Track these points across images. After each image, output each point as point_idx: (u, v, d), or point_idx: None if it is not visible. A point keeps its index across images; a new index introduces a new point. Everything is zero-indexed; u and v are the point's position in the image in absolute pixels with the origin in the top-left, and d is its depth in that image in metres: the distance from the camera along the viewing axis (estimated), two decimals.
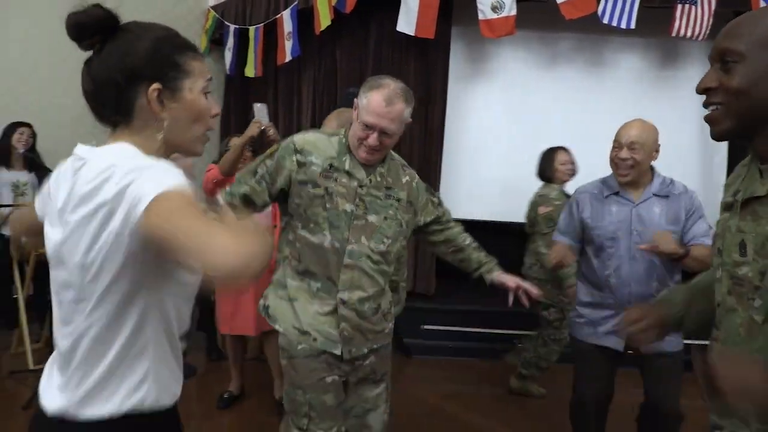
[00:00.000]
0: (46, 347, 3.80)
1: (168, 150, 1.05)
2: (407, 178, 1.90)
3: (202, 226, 0.80)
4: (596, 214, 2.27)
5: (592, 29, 4.41)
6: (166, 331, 1.00)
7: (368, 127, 1.69)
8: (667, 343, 1.91)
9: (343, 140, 1.80)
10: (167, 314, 1.00)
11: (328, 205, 1.73)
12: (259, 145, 2.77)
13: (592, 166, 4.60)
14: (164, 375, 1.01)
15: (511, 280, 2.04)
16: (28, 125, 4.02)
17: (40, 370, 3.34)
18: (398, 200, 1.83)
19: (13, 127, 3.98)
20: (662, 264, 2.10)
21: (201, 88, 1.04)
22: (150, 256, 0.91)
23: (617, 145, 2.29)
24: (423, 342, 4.24)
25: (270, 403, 3.23)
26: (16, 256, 3.63)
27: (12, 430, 2.87)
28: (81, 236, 0.92)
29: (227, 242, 0.77)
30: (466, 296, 4.71)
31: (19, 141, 3.94)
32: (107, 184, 0.89)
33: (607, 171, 4.74)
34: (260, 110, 2.69)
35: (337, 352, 1.77)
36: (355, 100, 1.74)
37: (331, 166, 1.76)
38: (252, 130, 2.63)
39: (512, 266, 5.12)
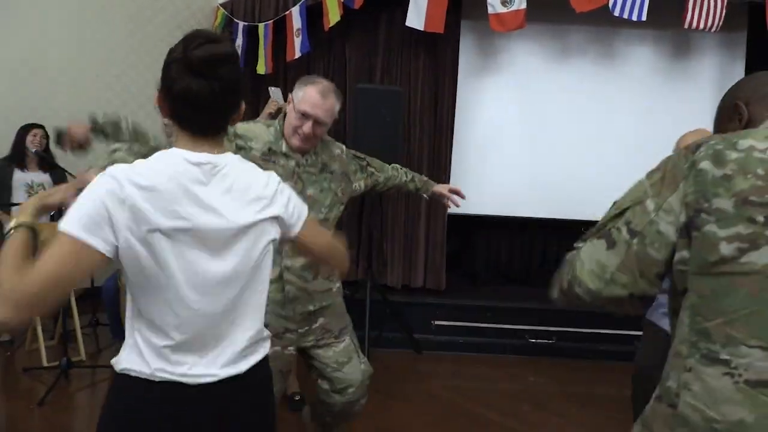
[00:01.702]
0: (59, 344, 3.84)
1: None
2: (338, 151, 2.15)
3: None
4: None
5: (602, 22, 4.36)
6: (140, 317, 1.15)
7: (304, 116, 1.90)
8: None
9: (279, 127, 2.00)
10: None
11: None
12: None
13: (605, 159, 4.58)
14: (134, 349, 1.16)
15: (444, 188, 2.44)
16: (41, 126, 4.06)
17: (54, 367, 3.39)
18: (331, 173, 2.07)
19: (27, 128, 4.03)
20: None
21: None
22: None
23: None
24: (434, 338, 4.22)
25: (282, 397, 3.23)
26: (33, 253, 3.66)
27: (27, 425, 2.90)
28: None
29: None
30: (476, 292, 4.69)
31: (32, 142, 3.98)
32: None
33: (621, 164, 4.70)
34: (275, 92, 2.90)
35: (283, 312, 1.99)
36: (290, 94, 1.98)
37: (270, 149, 1.96)
38: (269, 108, 2.84)
39: (522, 261, 5.14)
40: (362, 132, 3.85)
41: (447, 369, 3.94)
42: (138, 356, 1.14)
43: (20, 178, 3.98)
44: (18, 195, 3.94)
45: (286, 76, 5.14)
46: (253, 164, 1.26)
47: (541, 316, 4.22)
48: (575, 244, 1.17)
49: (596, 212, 4.72)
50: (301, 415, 2.59)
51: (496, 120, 4.66)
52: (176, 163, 1.12)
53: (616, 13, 3.78)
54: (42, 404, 3.06)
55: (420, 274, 4.45)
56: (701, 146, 0.98)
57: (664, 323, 2.46)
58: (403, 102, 4.03)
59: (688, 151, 1.00)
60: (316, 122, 1.91)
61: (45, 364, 3.52)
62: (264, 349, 1.28)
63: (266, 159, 1.93)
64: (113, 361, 1.17)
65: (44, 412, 3.03)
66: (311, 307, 2.06)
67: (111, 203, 1.05)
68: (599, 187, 4.59)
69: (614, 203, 1.10)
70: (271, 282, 1.81)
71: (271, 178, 1.27)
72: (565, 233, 4.99)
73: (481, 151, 4.66)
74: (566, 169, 4.64)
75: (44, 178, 4.06)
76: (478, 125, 4.66)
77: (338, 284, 2.18)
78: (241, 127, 1.95)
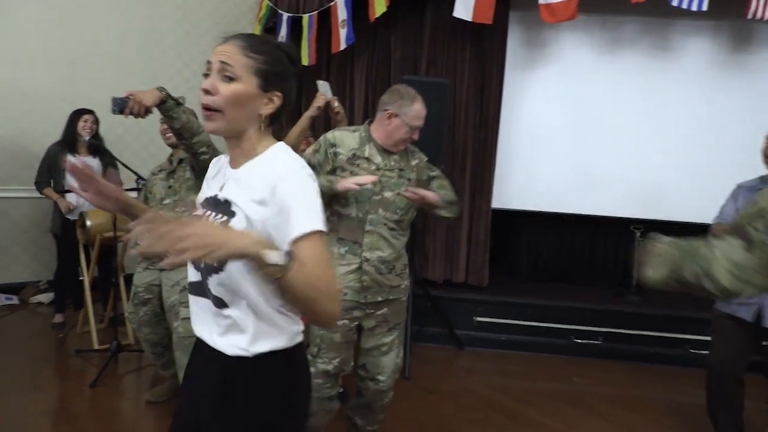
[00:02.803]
0: (108, 327, 3.94)
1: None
2: (416, 161, 2.36)
3: None
4: (747, 203, 2.59)
5: (656, 12, 4.20)
6: None
7: (415, 129, 2.22)
8: None
9: (364, 135, 2.26)
10: None
11: None
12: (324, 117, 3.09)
13: (655, 155, 4.44)
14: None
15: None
16: (91, 112, 4.13)
17: (105, 350, 3.48)
18: (408, 180, 2.28)
19: (78, 114, 4.10)
20: None
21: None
22: None
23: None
24: (475, 334, 4.18)
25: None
26: (82, 240, 3.76)
27: (79, 407, 2.99)
28: None
29: None
30: (519, 289, 4.62)
31: (83, 128, 4.06)
32: None
33: (673, 161, 4.56)
34: (323, 86, 2.91)
35: (359, 299, 2.23)
36: (390, 109, 2.22)
37: (354, 155, 2.22)
38: (318, 101, 2.83)
39: (565, 258, 5.02)
40: None
41: (488, 366, 3.89)
42: (281, 331, 1.21)
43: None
44: (70, 180, 4.05)
45: (329, 67, 5.13)
46: None
47: (587, 315, 4.12)
48: (657, 241, 1.16)
49: (645, 210, 4.64)
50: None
51: (543, 113, 4.55)
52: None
53: (675, 3, 3.64)
54: (94, 386, 3.15)
55: (462, 270, 4.41)
56: None
57: (743, 312, 2.55)
58: (449, 94, 3.96)
59: None
60: (418, 130, 2.25)
61: (96, 347, 3.63)
62: None
63: (351, 163, 2.20)
64: (270, 347, 1.18)
65: (95, 393, 3.12)
66: (380, 298, 2.27)
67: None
68: (649, 185, 4.46)
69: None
70: (351, 272, 2.21)
71: None
72: (611, 231, 4.87)
73: (526, 146, 4.57)
74: (614, 165, 4.51)
75: (94, 162, 4.16)
76: (524, 119, 4.56)
77: (407, 282, 2.37)
78: (333, 136, 2.24)
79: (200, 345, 1.27)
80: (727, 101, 4.36)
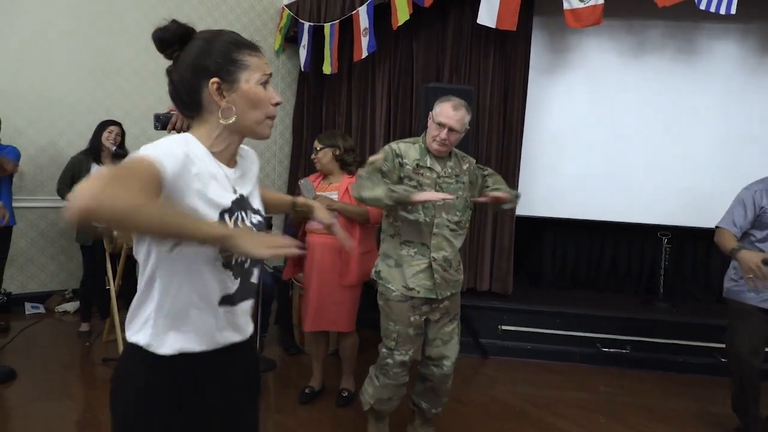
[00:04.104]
0: None
1: (232, 136, 1.23)
2: (467, 165, 2.60)
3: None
4: None
5: (682, 16, 4.15)
6: (175, 292, 1.18)
7: (441, 125, 2.39)
8: None
9: (423, 145, 2.51)
10: (177, 278, 1.17)
11: None
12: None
13: (682, 161, 4.36)
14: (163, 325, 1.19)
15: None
16: (118, 123, 4.18)
17: None
18: (463, 183, 2.52)
19: (104, 125, 4.15)
20: None
21: (257, 80, 1.20)
22: None
23: None
24: (500, 343, 4.13)
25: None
26: (108, 249, 3.79)
27: (106, 416, 2.99)
28: None
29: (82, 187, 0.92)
30: (544, 296, 4.56)
31: (108, 138, 4.10)
32: None
33: (701, 167, 4.48)
34: (305, 186, 2.99)
35: (432, 296, 2.49)
36: (430, 112, 2.47)
37: (418, 165, 2.46)
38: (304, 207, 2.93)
39: (590, 265, 4.94)
40: None
41: (514, 375, 3.84)
42: None
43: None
44: None
45: (351, 75, 5.15)
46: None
47: (614, 324, 4.05)
48: None
49: (671, 216, 4.57)
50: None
51: (567, 119, 4.51)
52: None
53: (702, 7, 3.58)
54: None
55: (486, 278, 4.36)
56: None
57: (749, 298, 2.80)
58: (473, 102, 3.94)
59: None
60: (451, 130, 2.39)
61: None
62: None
63: (416, 172, 2.45)
64: None
65: None
66: (448, 293, 2.54)
67: None
68: (674, 191, 4.39)
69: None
70: (422, 271, 2.48)
71: None
72: (637, 237, 4.80)
73: (550, 152, 4.53)
74: (640, 170, 4.45)
75: None
76: (548, 124, 4.52)
77: (462, 276, 2.65)
78: (398, 147, 2.48)
79: (215, 354, 1.25)
80: (755, 105, 4.28)
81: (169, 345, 1.18)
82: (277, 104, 1.25)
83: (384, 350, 2.56)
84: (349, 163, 3.10)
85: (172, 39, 1.19)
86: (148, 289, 1.19)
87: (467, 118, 2.44)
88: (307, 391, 3.28)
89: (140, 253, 1.19)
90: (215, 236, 1.03)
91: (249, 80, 1.19)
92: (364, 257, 3.02)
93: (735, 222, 2.84)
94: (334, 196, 3.03)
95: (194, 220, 1.05)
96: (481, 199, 2.47)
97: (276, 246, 1.07)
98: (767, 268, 2.52)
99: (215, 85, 1.17)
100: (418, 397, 2.74)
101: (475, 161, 2.65)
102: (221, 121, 1.18)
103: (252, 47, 1.22)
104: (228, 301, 1.25)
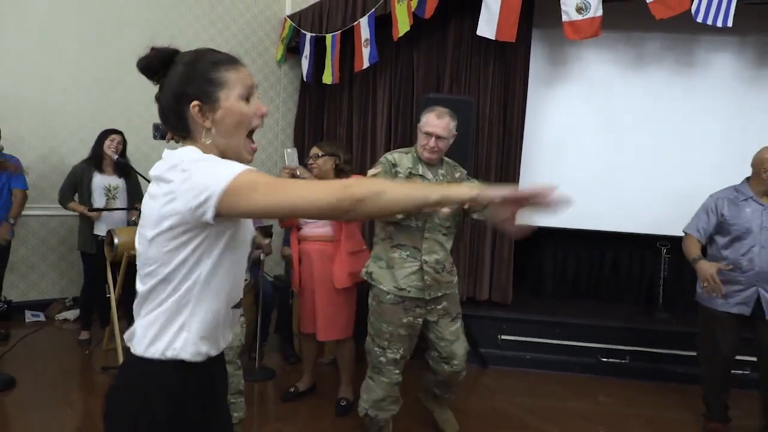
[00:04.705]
0: None
1: (222, 155, 1.20)
2: (458, 174, 2.77)
3: (296, 186, 1.07)
4: (733, 213, 3.02)
5: (681, 28, 4.18)
6: (211, 296, 1.18)
7: (428, 134, 2.58)
8: None
9: (415, 154, 2.67)
10: (216, 281, 1.17)
11: None
12: None
13: (680, 172, 4.38)
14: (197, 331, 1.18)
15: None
16: (119, 132, 4.20)
17: None
18: None
19: (106, 134, 4.18)
20: None
21: (237, 95, 1.18)
22: (212, 230, 1.11)
23: (760, 164, 3.02)
24: (500, 352, 4.13)
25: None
26: (109, 257, 3.80)
27: None
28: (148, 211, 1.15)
29: (321, 186, 1.06)
30: (544, 306, 4.56)
31: (109, 147, 4.12)
32: (174, 171, 1.10)
33: (699, 177, 4.51)
34: (290, 155, 3.03)
35: (424, 296, 2.62)
36: (418, 124, 2.66)
37: (410, 173, 2.61)
38: (283, 176, 2.97)
39: (590, 275, 4.95)
40: None
41: (514, 385, 3.84)
42: None
43: (99, 181, 4.14)
44: (96, 198, 4.11)
45: (351, 85, 5.18)
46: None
47: (613, 334, 4.05)
48: None
49: (670, 227, 4.58)
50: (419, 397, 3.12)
51: (566, 129, 4.54)
52: None
53: (699, 20, 3.62)
54: None
55: (486, 287, 4.37)
56: None
57: (718, 304, 2.99)
58: (474, 112, 3.97)
59: None
60: (438, 137, 2.57)
61: None
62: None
63: (410, 179, 2.60)
64: None
65: None
66: (439, 293, 2.67)
67: None
68: (673, 201, 4.39)
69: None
70: (413, 273, 2.61)
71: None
72: (636, 247, 4.81)
73: (550, 162, 4.55)
74: (639, 181, 4.46)
75: (119, 182, 4.21)
76: (547, 135, 4.55)
77: (456, 277, 2.79)
78: (393, 157, 2.65)
79: (209, 362, 1.24)
80: (753, 117, 4.31)
81: (199, 350, 1.19)
82: (263, 115, 1.24)
83: (377, 349, 2.68)
84: (346, 172, 3.19)
85: (156, 65, 1.20)
86: (182, 296, 1.16)
87: (452, 123, 2.60)
88: (291, 389, 3.39)
89: (171, 264, 1.14)
90: (469, 195, 1.14)
91: (228, 97, 1.17)
92: (352, 258, 3.13)
93: (699, 227, 3.09)
94: None
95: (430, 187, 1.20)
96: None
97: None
98: (721, 278, 2.86)
99: (196, 108, 1.16)
100: (431, 385, 2.91)
101: (465, 172, 2.83)
102: (207, 141, 1.18)
103: (230, 61, 1.21)
104: (239, 303, 1.28)
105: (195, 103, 1.16)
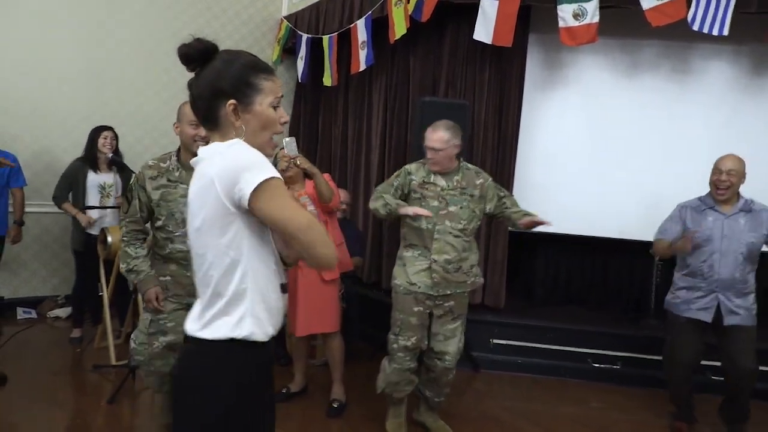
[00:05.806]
0: (126, 343, 3.95)
1: None
2: (481, 180, 2.92)
3: (303, 219, 1.19)
4: (696, 222, 3.13)
5: (676, 36, 4.20)
6: (262, 279, 1.28)
7: (428, 149, 2.80)
8: (742, 318, 2.97)
9: (427, 165, 2.87)
10: (261, 266, 1.27)
11: (422, 203, 2.81)
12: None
13: (675, 178, 4.39)
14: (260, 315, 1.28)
15: (527, 221, 2.86)
16: (110, 128, 4.17)
17: (122, 366, 3.53)
18: (471, 196, 2.85)
19: (98, 130, 4.14)
20: (744, 258, 2.96)
21: (269, 103, 1.29)
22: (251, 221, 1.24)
23: (718, 171, 3.11)
24: (492, 356, 4.14)
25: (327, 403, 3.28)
26: (102, 256, 3.79)
27: (96, 423, 2.99)
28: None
29: (325, 241, 1.19)
30: (536, 311, 4.57)
31: (104, 144, 4.10)
32: (213, 160, 1.23)
33: (694, 184, 4.52)
34: (289, 144, 3.00)
35: (431, 292, 2.82)
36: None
37: (423, 181, 2.85)
38: (282, 164, 2.99)
39: (583, 281, 4.96)
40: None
41: (505, 389, 3.85)
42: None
43: (93, 179, 4.12)
44: (91, 196, 4.09)
45: (348, 87, 5.19)
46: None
47: (604, 339, 4.07)
48: None
49: None
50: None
51: (561, 135, 4.55)
52: None
53: (695, 28, 3.64)
54: (112, 402, 3.15)
55: (479, 292, 4.37)
56: None
57: (703, 315, 3.03)
58: (469, 116, 3.98)
59: None
60: (435, 150, 2.76)
61: (113, 362, 3.64)
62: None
63: (421, 186, 2.83)
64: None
65: (112, 409, 3.12)
66: (448, 291, 2.84)
67: None
68: (666, 209, 4.39)
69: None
70: (422, 271, 2.81)
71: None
72: (628, 253, 4.82)
73: (544, 167, 4.56)
74: (633, 187, 4.48)
75: (113, 180, 4.19)
76: (542, 140, 4.56)
77: (472, 279, 2.92)
78: (411, 167, 2.89)
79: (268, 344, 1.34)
80: (747, 125, 4.33)
81: (265, 331, 1.29)
82: (284, 123, 1.34)
83: (391, 336, 2.90)
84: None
85: (196, 56, 1.27)
86: (239, 283, 1.24)
87: (447, 134, 2.76)
88: (283, 390, 3.39)
89: (218, 252, 1.24)
90: None
91: (262, 103, 1.27)
92: (338, 250, 3.13)
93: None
94: (306, 201, 3.17)
95: None
96: (522, 223, 2.84)
97: None
98: (683, 285, 3.13)
99: (232, 107, 1.25)
100: (422, 385, 3.04)
101: (490, 178, 2.97)
102: (234, 137, 1.27)
103: (268, 71, 1.30)
104: (284, 289, 1.36)
105: (232, 102, 1.25)
